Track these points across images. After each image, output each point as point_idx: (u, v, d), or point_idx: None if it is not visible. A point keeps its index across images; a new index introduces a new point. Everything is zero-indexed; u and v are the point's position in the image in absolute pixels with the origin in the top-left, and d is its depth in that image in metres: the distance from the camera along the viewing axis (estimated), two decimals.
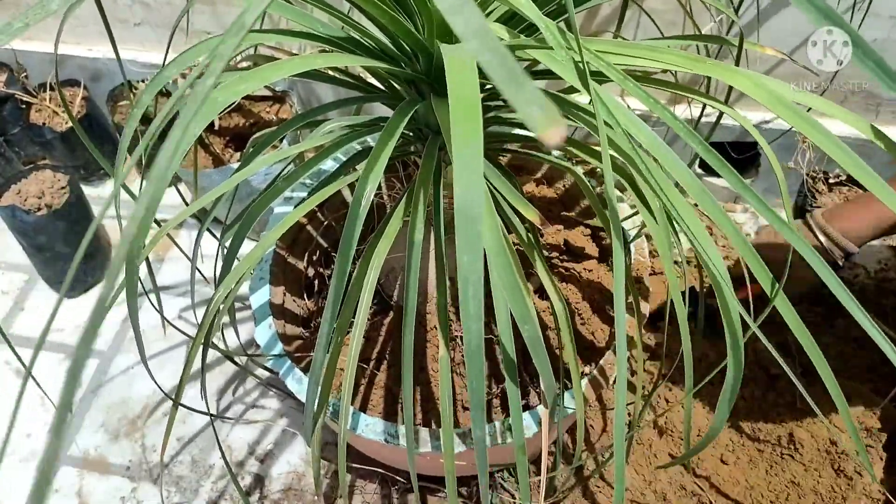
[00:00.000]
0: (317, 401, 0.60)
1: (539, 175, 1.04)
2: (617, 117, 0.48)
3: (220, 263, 0.70)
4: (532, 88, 0.19)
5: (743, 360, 0.52)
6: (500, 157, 0.95)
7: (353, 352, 0.61)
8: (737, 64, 0.68)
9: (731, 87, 0.59)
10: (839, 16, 0.36)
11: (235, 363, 0.85)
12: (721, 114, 0.81)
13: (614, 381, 0.67)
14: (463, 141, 0.30)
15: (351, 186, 0.80)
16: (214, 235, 0.83)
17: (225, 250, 0.67)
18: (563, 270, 0.91)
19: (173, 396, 0.65)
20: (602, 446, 1.07)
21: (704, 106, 0.95)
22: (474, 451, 0.47)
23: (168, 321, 0.88)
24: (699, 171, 1.37)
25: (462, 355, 0.85)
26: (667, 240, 0.54)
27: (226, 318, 0.92)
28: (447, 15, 0.21)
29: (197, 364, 0.71)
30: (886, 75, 0.39)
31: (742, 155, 1.29)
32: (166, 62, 0.60)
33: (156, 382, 0.72)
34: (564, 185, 1.02)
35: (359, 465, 1.00)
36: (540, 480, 0.96)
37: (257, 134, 0.76)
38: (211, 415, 0.77)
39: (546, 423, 0.63)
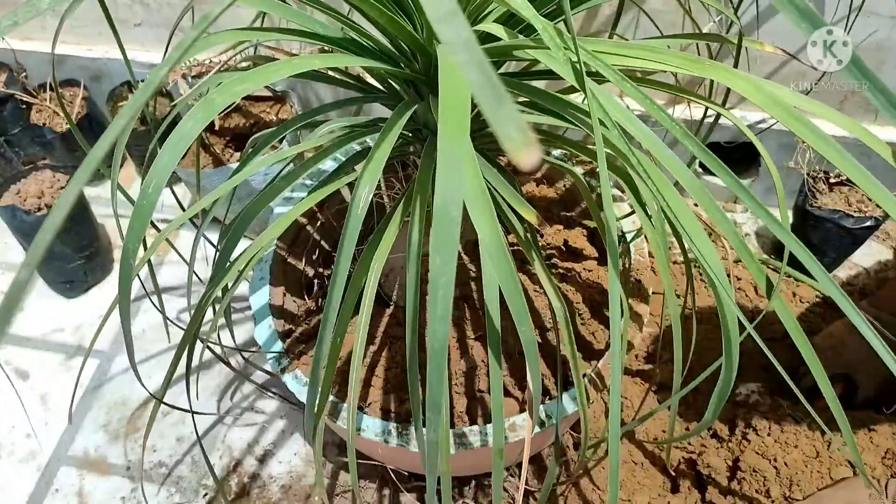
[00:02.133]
0: (317, 401, 0.60)
1: (539, 175, 1.04)
2: (614, 116, 0.48)
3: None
4: (512, 109, 0.19)
5: (737, 362, 0.53)
6: (500, 158, 0.95)
7: (358, 354, 0.60)
8: (735, 63, 0.68)
9: (729, 88, 0.59)
10: (821, 19, 0.36)
11: (230, 366, 0.85)
12: (718, 115, 0.81)
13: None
14: (449, 142, 0.30)
15: (351, 186, 0.80)
16: (210, 242, 0.83)
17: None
18: (563, 271, 0.90)
19: (166, 395, 0.64)
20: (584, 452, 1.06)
21: (707, 108, 0.95)
22: (424, 452, 0.46)
23: (170, 320, 0.88)
24: (698, 170, 1.37)
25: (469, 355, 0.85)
26: (663, 242, 0.54)
27: (224, 319, 0.92)
28: (435, 24, 0.21)
29: (190, 364, 0.71)
30: (883, 96, 0.39)
31: (731, 144, 1.28)
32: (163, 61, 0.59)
33: (142, 384, 0.72)
34: (565, 185, 1.02)
35: (359, 462, 0.99)
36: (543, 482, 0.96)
37: (257, 134, 0.76)
38: (193, 412, 0.76)
39: (529, 428, 0.63)
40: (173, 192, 0.89)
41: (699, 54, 0.90)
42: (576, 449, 1.07)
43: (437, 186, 0.29)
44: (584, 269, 0.90)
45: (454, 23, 0.20)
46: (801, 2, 0.37)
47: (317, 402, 0.61)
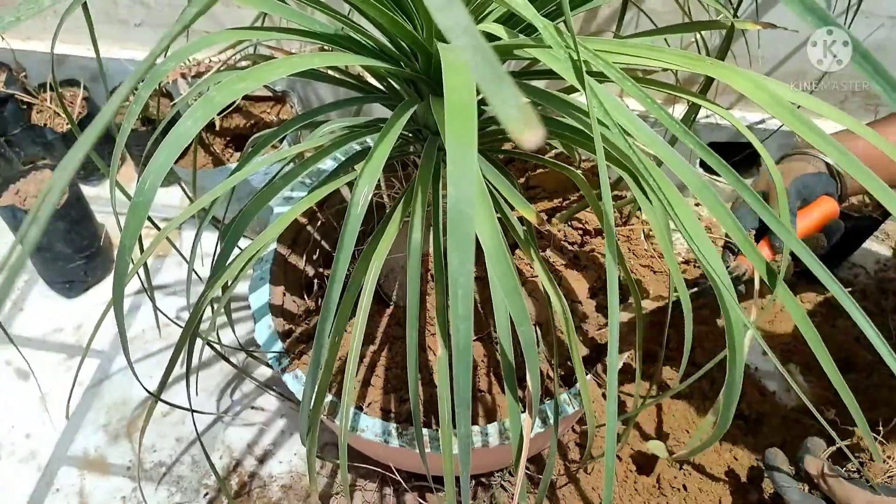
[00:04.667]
0: (313, 400, 0.60)
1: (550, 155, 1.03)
2: (614, 116, 0.48)
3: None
4: (512, 90, 0.20)
5: (742, 361, 0.52)
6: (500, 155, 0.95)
7: (354, 350, 0.60)
8: (724, 55, 0.68)
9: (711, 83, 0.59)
10: (831, 17, 0.36)
11: (232, 364, 0.85)
12: (698, 109, 0.81)
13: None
14: (456, 140, 0.30)
15: (351, 186, 0.80)
16: (217, 224, 0.83)
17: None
18: (567, 254, 0.90)
19: (158, 388, 0.64)
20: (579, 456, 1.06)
21: (703, 107, 0.95)
22: (460, 450, 0.47)
23: (168, 318, 0.88)
24: (699, 170, 1.37)
25: None
26: (668, 236, 0.54)
27: (224, 318, 0.91)
28: (434, 13, 0.21)
29: (190, 362, 0.71)
30: (885, 80, 0.39)
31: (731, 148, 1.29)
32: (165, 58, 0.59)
33: (140, 383, 0.72)
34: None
35: (359, 465, 1.00)
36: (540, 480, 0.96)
37: (257, 134, 0.76)
38: (193, 411, 0.76)
39: (528, 429, 0.63)
40: (183, 188, 0.89)
41: (699, 51, 0.90)
42: (578, 447, 1.07)
43: (449, 184, 0.29)
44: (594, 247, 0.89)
45: (453, 10, 0.21)
46: None
47: (312, 401, 0.61)
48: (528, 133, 0.19)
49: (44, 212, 0.21)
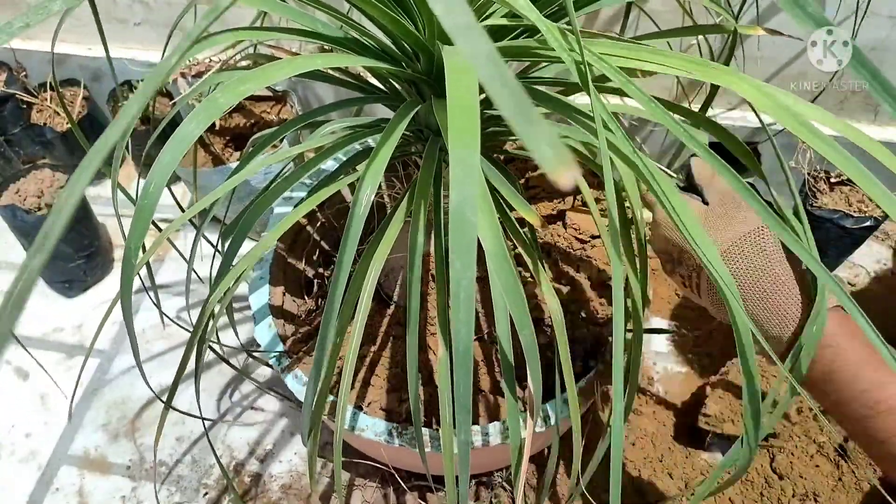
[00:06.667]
0: (314, 401, 0.60)
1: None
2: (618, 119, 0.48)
3: (217, 264, 0.70)
4: (543, 126, 0.18)
5: (757, 371, 0.52)
6: (501, 156, 0.95)
7: (353, 350, 0.60)
8: (728, 59, 0.68)
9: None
10: (830, 22, 0.36)
11: (233, 366, 0.85)
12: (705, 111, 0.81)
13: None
14: (459, 143, 0.30)
15: (351, 186, 0.80)
16: (209, 241, 0.83)
17: (222, 251, 0.67)
18: (573, 253, 0.90)
19: (169, 395, 0.64)
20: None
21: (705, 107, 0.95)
22: (459, 454, 0.47)
23: (171, 319, 0.88)
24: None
25: None
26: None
27: (224, 319, 0.91)
28: (451, 33, 0.20)
29: (193, 366, 0.71)
30: (882, 88, 0.39)
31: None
32: (164, 59, 0.59)
33: (149, 386, 0.72)
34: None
35: (359, 461, 0.99)
36: (542, 481, 0.96)
37: (257, 134, 0.76)
38: (204, 418, 0.76)
39: (530, 431, 0.63)
40: (172, 194, 0.89)
41: (700, 54, 0.90)
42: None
43: (452, 188, 0.29)
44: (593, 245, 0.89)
45: (471, 35, 0.19)
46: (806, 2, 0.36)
47: (314, 402, 0.61)
48: (563, 173, 0.18)
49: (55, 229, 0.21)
